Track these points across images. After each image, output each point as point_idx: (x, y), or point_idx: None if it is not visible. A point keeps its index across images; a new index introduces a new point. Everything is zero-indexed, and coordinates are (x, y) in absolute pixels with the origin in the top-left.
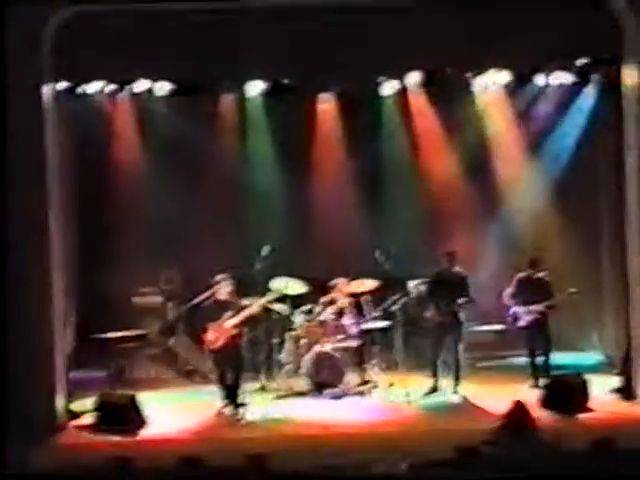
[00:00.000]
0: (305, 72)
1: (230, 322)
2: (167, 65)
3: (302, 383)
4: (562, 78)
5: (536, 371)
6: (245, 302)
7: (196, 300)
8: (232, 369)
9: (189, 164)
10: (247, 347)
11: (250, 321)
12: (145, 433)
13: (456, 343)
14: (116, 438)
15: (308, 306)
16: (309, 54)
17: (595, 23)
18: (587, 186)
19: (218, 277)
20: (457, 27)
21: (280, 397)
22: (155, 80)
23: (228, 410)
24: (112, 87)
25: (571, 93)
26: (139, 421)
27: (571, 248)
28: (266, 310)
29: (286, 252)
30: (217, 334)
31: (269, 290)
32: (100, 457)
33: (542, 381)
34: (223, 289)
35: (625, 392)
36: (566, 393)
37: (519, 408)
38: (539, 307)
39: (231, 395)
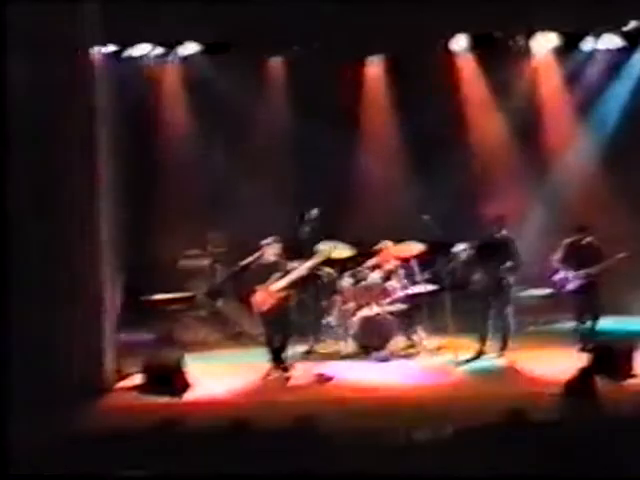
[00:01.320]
0: (352, 36)
1: (278, 285)
2: (213, 26)
3: (349, 346)
4: (611, 42)
5: (584, 336)
6: (292, 265)
7: (244, 262)
8: (280, 332)
9: (237, 127)
10: (295, 310)
11: (298, 284)
12: (192, 395)
13: (504, 307)
14: (163, 400)
15: (355, 269)
16: (356, 18)
17: None
18: (635, 151)
19: (266, 240)
20: None
21: (327, 360)
22: (201, 42)
23: (276, 372)
24: (158, 50)
25: (620, 57)
26: (186, 383)
27: (620, 212)
28: (313, 273)
29: (333, 215)
30: (265, 296)
31: (316, 253)
32: (148, 419)
33: (590, 346)
34: (270, 251)
35: None
36: (612, 359)
37: (584, 375)
38: (588, 271)
39: (279, 357)
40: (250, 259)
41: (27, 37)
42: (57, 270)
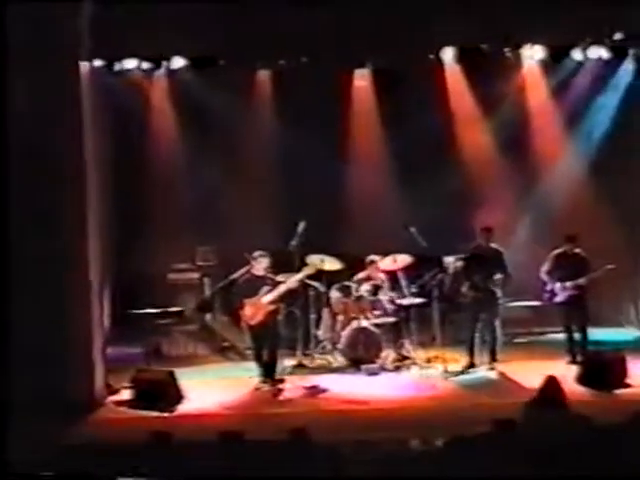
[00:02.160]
0: (339, 47)
1: (267, 298)
2: (201, 41)
3: (339, 359)
4: (599, 53)
5: (573, 347)
6: (281, 278)
7: (233, 276)
8: (269, 345)
9: (225, 140)
10: (284, 323)
11: (287, 297)
12: (183, 409)
13: (493, 319)
14: (154, 414)
15: (343, 283)
16: (343, 30)
17: None
18: (624, 161)
19: (255, 253)
20: (493, 2)
21: (317, 373)
22: (189, 57)
23: (265, 386)
24: (148, 64)
25: (608, 68)
26: (177, 397)
27: (608, 223)
28: (303, 286)
29: (321, 228)
30: (254, 310)
31: (305, 266)
32: (138, 433)
33: (579, 357)
34: (260, 265)
35: None
36: (604, 369)
37: (552, 384)
38: (576, 283)
39: (268, 371)
40: (239, 273)
41: (17, 50)
42: (45, 283)
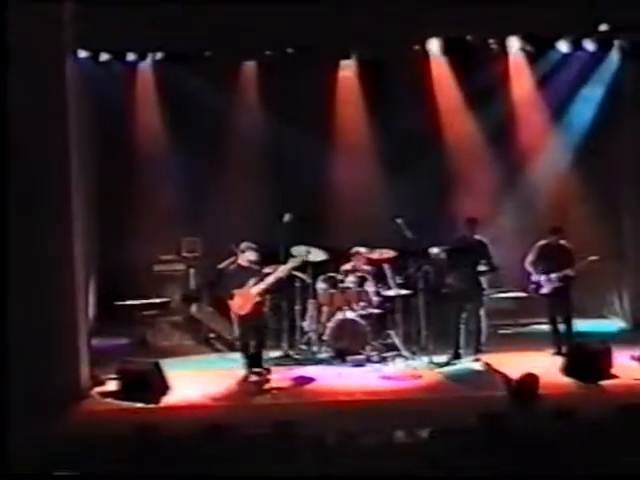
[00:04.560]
0: (325, 39)
1: (256, 288)
2: (186, 32)
3: (324, 350)
4: (584, 45)
5: (558, 338)
6: (267, 270)
7: (220, 266)
8: (256, 336)
9: (211, 132)
10: (269, 314)
11: (275, 287)
12: (168, 400)
13: (478, 310)
14: (140, 405)
15: (329, 274)
16: (329, 21)
17: None
18: (609, 153)
19: (243, 245)
20: None
21: (303, 364)
22: (174, 48)
23: (251, 377)
24: (133, 56)
25: (593, 60)
26: (162, 388)
27: (592, 215)
28: (288, 278)
29: (307, 220)
30: (243, 300)
31: (291, 257)
32: (124, 424)
33: (564, 348)
34: (246, 256)
35: None
36: (590, 360)
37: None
38: (560, 274)
39: (254, 362)
40: (225, 263)
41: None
42: (30, 275)
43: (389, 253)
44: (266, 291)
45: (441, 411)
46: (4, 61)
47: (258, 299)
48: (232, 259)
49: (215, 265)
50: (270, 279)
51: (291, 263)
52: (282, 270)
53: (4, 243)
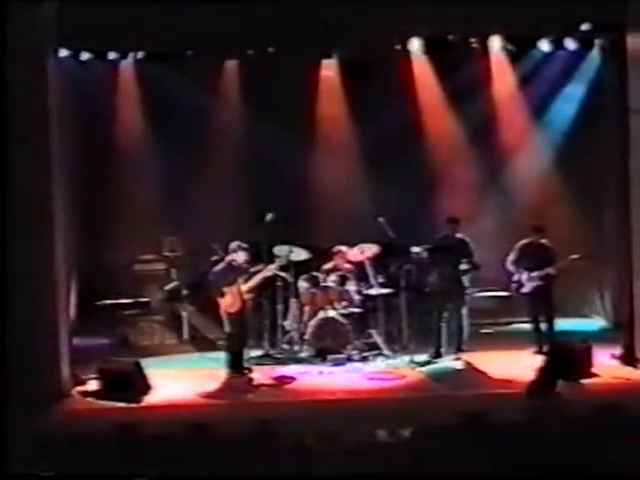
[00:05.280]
0: (306, 38)
1: (244, 286)
2: (168, 31)
3: (306, 349)
4: (565, 44)
5: (539, 337)
6: (254, 269)
7: (209, 265)
8: (241, 334)
9: (192, 131)
10: (251, 314)
11: (263, 286)
12: (150, 399)
13: (459, 309)
14: (121, 404)
15: (311, 273)
16: (311, 20)
17: None
18: (590, 152)
19: (233, 244)
20: None
21: (284, 363)
22: (156, 47)
23: (234, 376)
24: (115, 54)
25: (575, 59)
26: (144, 387)
27: (574, 214)
28: (269, 277)
29: (288, 218)
30: (233, 298)
31: (273, 256)
32: (106, 423)
33: (546, 347)
34: (238, 256)
35: (627, 358)
36: (570, 359)
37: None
38: (542, 273)
39: (237, 361)
40: (221, 266)
41: None
42: (10, 275)
43: (371, 248)
44: (255, 289)
45: (422, 410)
46: None
47: (247, 296)
48: (217, 258)
49: (196, 264)
50: (259, 277)
51: (278, 262)
52: (269, 269)
53: None
